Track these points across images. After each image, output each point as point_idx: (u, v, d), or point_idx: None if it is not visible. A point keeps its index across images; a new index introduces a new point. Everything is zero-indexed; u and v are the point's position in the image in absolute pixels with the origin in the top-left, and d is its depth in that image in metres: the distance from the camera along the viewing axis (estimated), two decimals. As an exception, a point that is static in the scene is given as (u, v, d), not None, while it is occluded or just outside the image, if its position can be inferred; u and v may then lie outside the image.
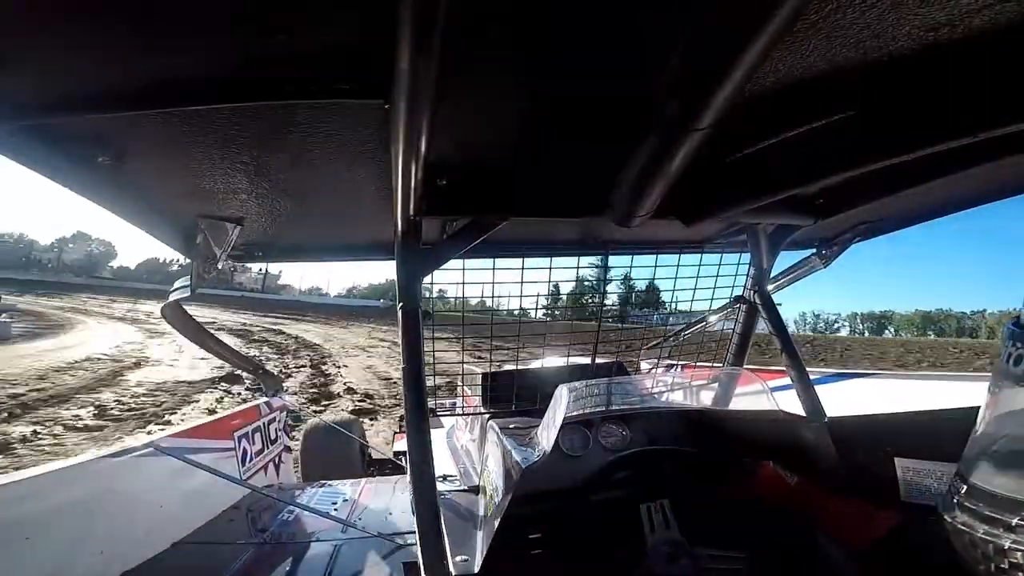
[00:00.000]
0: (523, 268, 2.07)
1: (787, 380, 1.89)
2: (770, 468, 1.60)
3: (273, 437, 3.40)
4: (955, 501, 0.60)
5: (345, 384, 10.92)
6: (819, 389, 1.80)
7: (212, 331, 2.75)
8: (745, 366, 2.16)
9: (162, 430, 4.06)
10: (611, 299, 2.38)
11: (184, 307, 2.29)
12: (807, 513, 1.50)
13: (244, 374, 3.56)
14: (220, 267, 1.67)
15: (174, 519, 2.19)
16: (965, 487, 0.59)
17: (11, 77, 0.83)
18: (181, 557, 2.05)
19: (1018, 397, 0.56)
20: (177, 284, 2.05)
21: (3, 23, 0.70)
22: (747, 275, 2.16)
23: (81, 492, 1.84)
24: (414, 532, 1.25)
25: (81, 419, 7.10)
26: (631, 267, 2.29)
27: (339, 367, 13.67)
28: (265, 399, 3.43)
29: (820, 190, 1.37)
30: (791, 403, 1.79)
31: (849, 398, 2.71)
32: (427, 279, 1.59)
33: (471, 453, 2.43)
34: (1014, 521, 0.53)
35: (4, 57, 0.77)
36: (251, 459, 3.06)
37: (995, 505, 0.55)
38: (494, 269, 2.01)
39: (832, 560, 1.41)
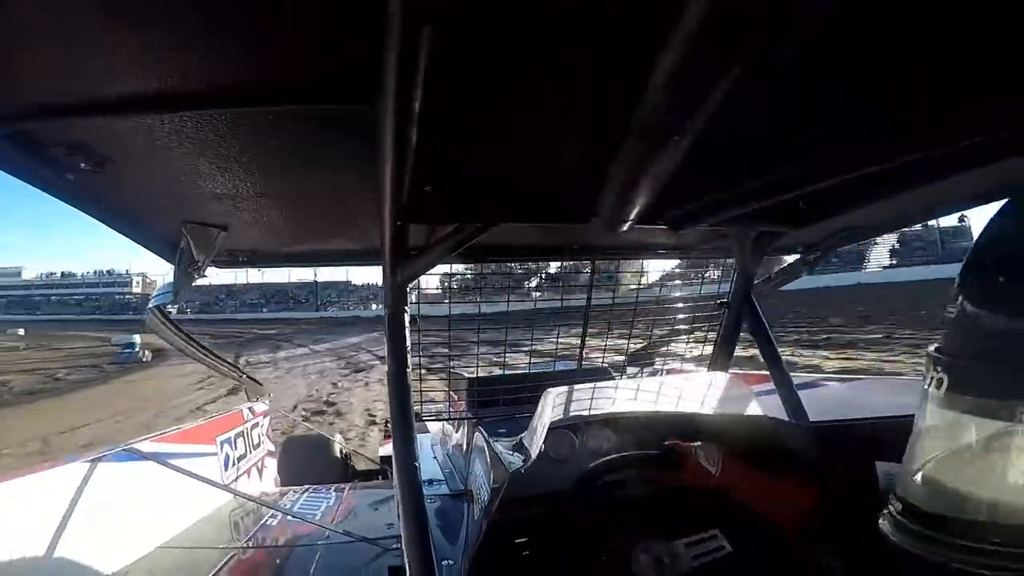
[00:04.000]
0: (510, 273, 2.07)
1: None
2: (694, 456, 1.62)
3: (256, 442, 3.37)
4: (888, 510, 0.65)
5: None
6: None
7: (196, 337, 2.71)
8: (730, 370, 2.18)
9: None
10: (597, 304, 2.38)
11: (166, 313, 2.26)
12: (741, 493, 1.54)
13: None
14: (203, 273, 1.66)
15: (156, 523, 2.17)
16: (895, 498, 0.65)
17: None
18: (164, 561, 2.02)
19: (936, 418, 0.61)
20: (158, 290, 2.03)
21: None
22: (731, 280, 2.19)
23: (59, 497, 1.82)
24: (400, 536, 1.25)
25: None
26: (617, 272, 2.31)
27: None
28: (248, 404, 3.40)
29: (800, 196, 1.39)
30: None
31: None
32: (413, 284, 1.59)
33: (457, 457, 2.42)
34: (926, 532, 0.58)
35: None
36: (234, 464, 3.03)
37: (914, 517, 0.61)
38: (481, 274, 2.02)
39: (775, 535, 1.45)
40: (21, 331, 36.69)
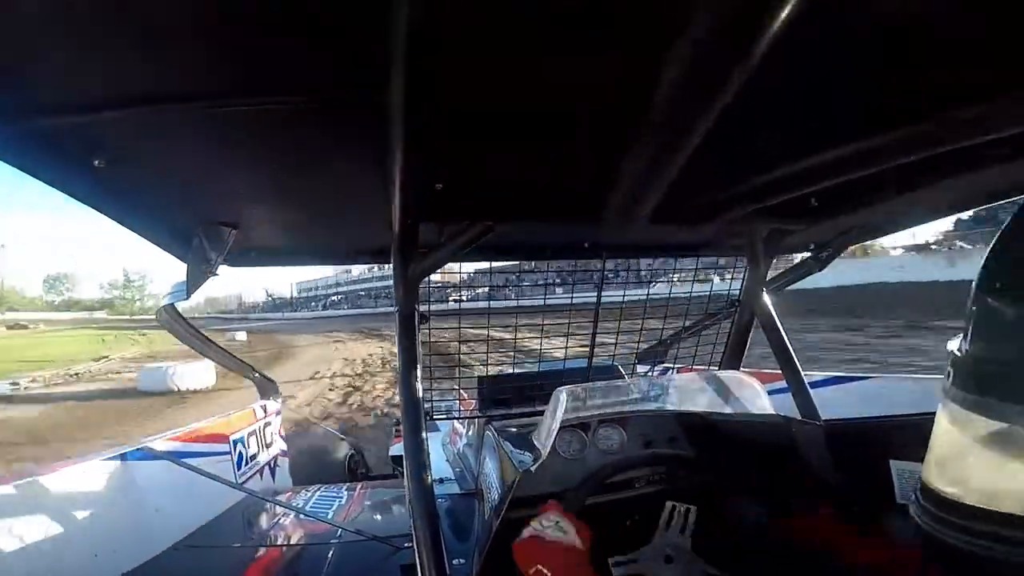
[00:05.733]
0: (520, 272, 2.07)
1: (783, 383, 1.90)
2: (827, 514, 1.54)
3: (269, 441, 3.39)
4: (916, 500, 0.69)
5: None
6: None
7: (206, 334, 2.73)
8: (741, 369, 2.17)
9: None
10: (607, 303, 2.37)
11: (179, 311, 2.29)
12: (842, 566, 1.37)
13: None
14: (216, 272, 1.67)
15: (170, 522, 2.19)
16: (921, 486, 0.69)
17: (5, 79, 0.82)
18: (178, 560, 2.04)
19: (947, 411, 0.65)
20: (171, 288, 2.05)
21: None
22: (743, 278, 2.17)
23: (74, 495, 1.84)
24: (411, 535, 1.25)
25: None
26: (628, 271, 2.30)
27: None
28: (261, 403, 3.42)
29: (812, 194, 1.38)
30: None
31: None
32: (424, 282, 1.60)
33: (468, 456, 2.43)
34: (954, 519, 0.61)
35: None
36: (247, 463, 3.06)
37: (940, 505, 0.64)
38: (491, 272, 2.02)
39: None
40: (242, 336, 30.25)
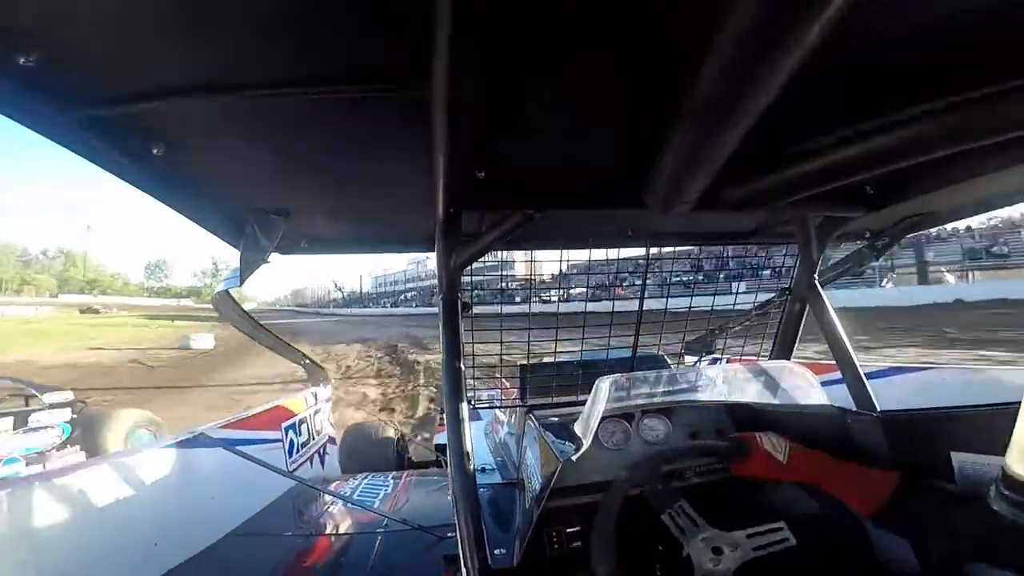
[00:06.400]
0: (562, 260, 2.06)
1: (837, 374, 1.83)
2: (761, 445, 1.53)
3: (318, 428, 3.49)
4: (997, 489, 0.69)
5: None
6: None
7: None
8: (793, 359, 2.09)
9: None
10: (652, 291, 2.32)
11: (233, 297, 2.37)
12: (812, 480, 1.48)
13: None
14: (268, 259, 1.72)
15: (227, 510, 2.27)
16: (1003, 475, 0.69)
17: (71, 70, 0.87)
18: (234, 548, 2.12)
19: None
20: (227, 275, 2.13)
21: (61, 17, 0.74)
22: (794, 267, 2.10)
23: (135, 482, 1.93)
24: (454, 525, 1.26)
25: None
26: (674, 259, 2.25)
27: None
28: (311, 390, 3.51)
29: (870, 180, 1.31)
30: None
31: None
32: (467, 270, 1.60)
33: (510, 445, 2.43)
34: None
35: (64, 50, 0.82)
36: (297, 450, 3.15)
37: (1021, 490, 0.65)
38: (532, 261, 2.00)
39: (851, 520, 1.41)
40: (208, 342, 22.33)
